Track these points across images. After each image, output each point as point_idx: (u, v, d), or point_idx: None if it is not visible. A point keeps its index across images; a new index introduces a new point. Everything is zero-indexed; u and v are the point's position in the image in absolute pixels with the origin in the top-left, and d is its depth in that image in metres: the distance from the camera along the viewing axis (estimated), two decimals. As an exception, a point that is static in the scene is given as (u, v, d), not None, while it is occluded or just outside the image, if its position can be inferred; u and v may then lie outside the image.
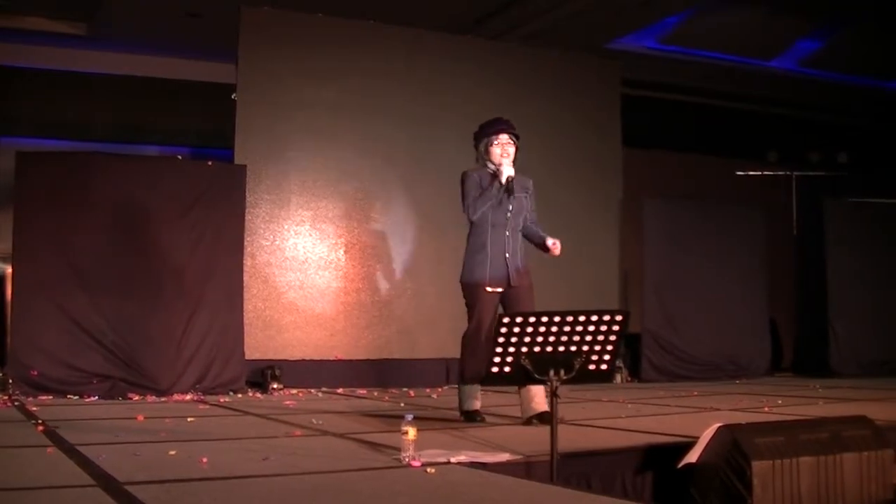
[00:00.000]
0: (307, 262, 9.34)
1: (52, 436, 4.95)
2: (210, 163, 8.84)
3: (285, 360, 8.93)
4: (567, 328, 4.12)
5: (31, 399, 7.26)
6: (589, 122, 10.71)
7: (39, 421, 5.65)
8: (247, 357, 8.50)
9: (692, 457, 4.38)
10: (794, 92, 13.13)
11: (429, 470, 3.84)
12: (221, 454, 4.32)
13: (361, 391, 8.74)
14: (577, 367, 4.17)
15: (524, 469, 4.12)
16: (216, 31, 9.73)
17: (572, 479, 4.25)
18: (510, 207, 5.90)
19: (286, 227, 9.33)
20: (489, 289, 5.83)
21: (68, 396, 7.50)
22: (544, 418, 5.42)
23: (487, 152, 5.96)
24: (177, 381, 7.98)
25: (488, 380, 4.29)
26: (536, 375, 4.16)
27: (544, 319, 4.11)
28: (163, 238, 8.13)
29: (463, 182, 5.97)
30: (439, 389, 8.99)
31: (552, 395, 4.14)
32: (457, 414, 5.99)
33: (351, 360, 9.31)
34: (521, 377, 4.26)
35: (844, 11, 11.04)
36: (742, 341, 10.59)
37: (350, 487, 3.58)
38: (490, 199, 5.84)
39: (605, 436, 5.26)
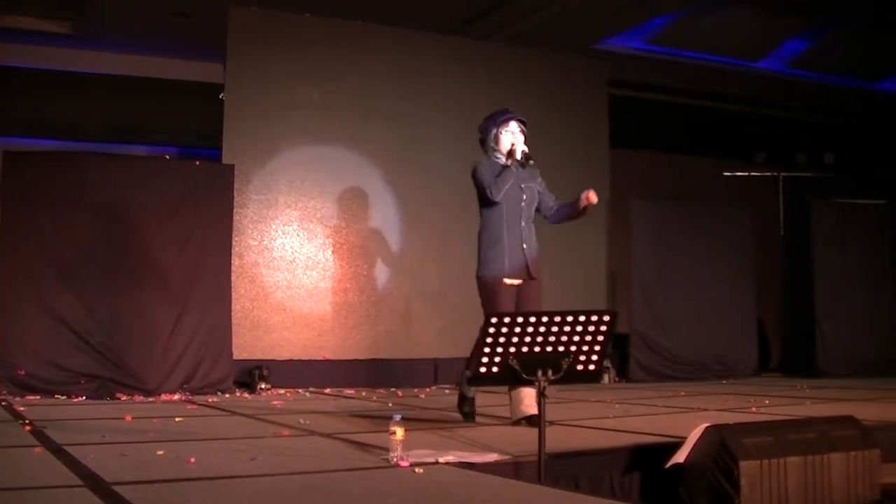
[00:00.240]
0: (295, 262, 9.34)
1: (40, 436, 4.94)
2: (198, 162, 8.81)
3: (273, 361, 8.92)
4: (555, 328, 4.12)
5: (18, 399, 7.23)
6: (576, 123, 10.72)
7: (27, 421, 5.63)
8: (234, 357, 8.49)
9: (680, 457, 4.39)
10: (781, 93, 13.16)
11: (417, 470, 3.84)
12: (209, 454, 4.32)
13: (349, 391, 8.73)
14: (565, 367, 4.17)
15: (512, 469, 4.12)
16: (206, 30, 9.70)
17: (560, 479, 4.25)
18: (523, 197, 5.80)
19: (274, 227, 9.31)
20: (508, 281, 5.71)
21: (56, 396, 7.47)
22: (532, 421, 5.42)
23: (497, 141, 5.87)
24: (164, 381, 7.96)
25: (476, 380, 4.29)
26: (524, 376, 4.15)
27: (532, 320, 4.11)
28: (151, 238, 8.10)
29: (476, 172, 5.82)
30: (427, 389, 9.00)
31: (540, 396, 4.14)
32: (445, 414, 5.98)
33: (339, 361, 9.30)
34: (509, 378, 4.25)
35: (832, 13, 11.07)
36: (729, 341, 10.61)
37: (338, 488, 3.57)
38: (510, 177, 5.71)
39: (593, 436, 5.27)
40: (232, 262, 8.63)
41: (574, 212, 5.88)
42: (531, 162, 5.77)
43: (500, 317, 4.14)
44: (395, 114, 9.85)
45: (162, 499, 3.26)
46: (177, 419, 6.01)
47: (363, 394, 8.52)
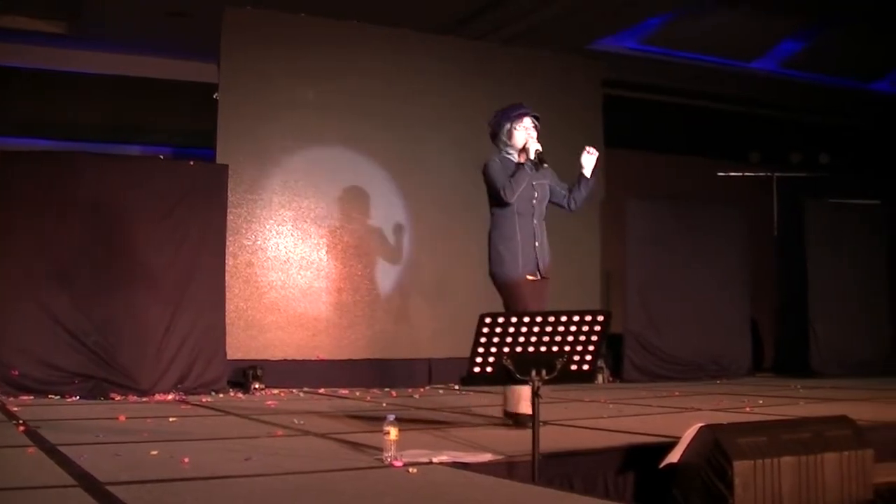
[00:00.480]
0: (289, 262, 9.33)
1: (34, 436, 4.93)
2: (192, 162, 8.81)
3: (267, 361, 8.91)
4: (549, 328, 4.13)
5: (12, 399, 7.21)
6: (571, 123, 10.68)
7: (20, 421, 5.63)
8: (228, 357, 8.49)
9: (674, 457, 4.40)
10: (776, 93, 13.17)
11: (411, 470, 3.84)
12: (203, 454, 4.31)
13: (343, 391, 8.73)
14: (559, 367, 4.18)
15: (506, 469, 4.13)
16: (202, 30, 9.68)
17: (554, 479, 4.26)
18: (535, 195, 5.74)
19: (268, 226, 9.30)
20: (529, 277, 5.64)
21: (50, 396, 7.46)
22: (519, 421, 5.41)
23: (510, 136, 5.79)
24: (158, 381, 7.95)
25: (470, 380, 4.28)
26: (518, 376, 4.16)
27: (526, 319, 4.11)
28: (145, 238, 8.09)
29: (487, 171, 5.71)
30: (421, 389, 8.99)
31: (534, 396, 4.15)
32: (439, 414, 5.97)
33: (333, 361, 9.29)
34: (503, 377, 4.25)
35: (826, 13, 11.08)
36: (724, 342, 10.61)
37: (333, 488, 3.58)
38: (524, 178, 5.64)
39: (587, 436, 5.27)
40: (226, 261, 8.62)
41: (584, 184, 5.90)
42: (545, 165, 5.72)
43: (494, 316, 4.14)
44: (390, 114, 9.84)
45: (156, 499, 3.26)
46: (171, 419, 6.01)
47: (357, 394, 8.51)
